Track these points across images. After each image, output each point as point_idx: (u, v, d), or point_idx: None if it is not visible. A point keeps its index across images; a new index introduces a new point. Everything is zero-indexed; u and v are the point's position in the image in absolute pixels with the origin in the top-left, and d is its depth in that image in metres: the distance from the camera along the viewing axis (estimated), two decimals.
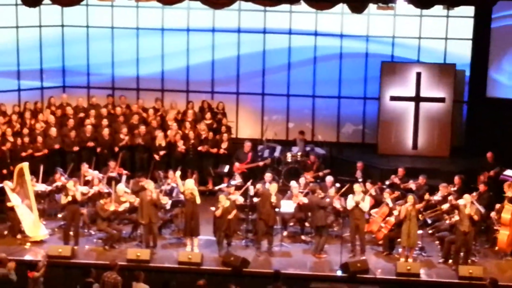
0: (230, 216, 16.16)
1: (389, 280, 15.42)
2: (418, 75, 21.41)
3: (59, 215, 17.76)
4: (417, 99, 21.46)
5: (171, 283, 13.56)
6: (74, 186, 16.45)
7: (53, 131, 19.93)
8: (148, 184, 16.57)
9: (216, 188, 18.58)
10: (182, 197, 16.69)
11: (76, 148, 19.96)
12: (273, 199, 16.21)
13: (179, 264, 15.66)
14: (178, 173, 17.17)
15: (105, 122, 20.54)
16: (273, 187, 16.43)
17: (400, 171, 18.68)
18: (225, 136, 20.44)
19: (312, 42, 22.24)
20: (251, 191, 17.19)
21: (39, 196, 17.54)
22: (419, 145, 21.63)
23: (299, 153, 20.35)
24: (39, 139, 19.66)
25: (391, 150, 21.66)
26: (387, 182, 18.27)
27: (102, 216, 16.35)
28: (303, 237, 17.24)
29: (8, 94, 21.86)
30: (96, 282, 13.41)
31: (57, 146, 19.79)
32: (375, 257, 16.42)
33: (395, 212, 16.33)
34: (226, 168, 19.67)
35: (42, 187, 17.71)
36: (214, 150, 20.26)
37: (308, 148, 20.70)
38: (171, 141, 20.29)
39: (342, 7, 20.46)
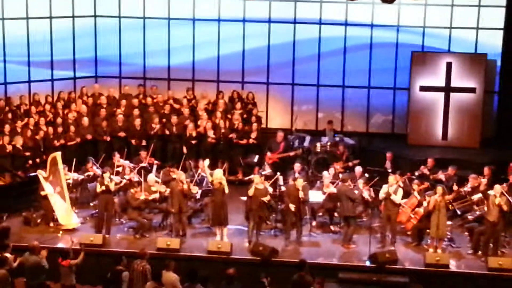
0: (264, 198, 16.27)
1: (418, 271, 15.45)
2: (449, 65, 21.30)
3: (91, 204, 18.01)
4: (448, 89, 21.36)
5: (199, 272, 13.65)
6: (109, 176, 16.67)
7: (86, 120, 20.19)
8: (179, 174, 16.72)
9: (246, 178, 18.71)
10: (211, 186, 16.83)
11: (107, 138, 20.21)
12: (301, 194, 16.23)
13: (209, 253, 15.82)
14: (207, 162, 17.33)
15: (136, 112, 20.73)
16: (299, 182, 16.41)
17: (430, 161, 18.63)
18: (254, 126, 20.53)
19: (342, 32, 22.20)
20: (281, 181, 17.29)
21: (71, 185, 17.81)
22: (449, 135, 21.53)
23: (329, 143, 20.37)
24: (72, 128, 19.93)
25: (421, 140, 21.59)
26: (417, 173, 18.23)
27: (132, 205, 16.57)
28: (332, 227, 17.30)
29: (41, 84, 22.17)
30: (126, 270, 13.60)
31: (89, 137, 20.04)
32: (404, 248, 16.44)
33: (424, 203, 16.33)
34: (256, 158, 19.76)
35: (74, 176, 17.97)
36: (244, 142, 20.37)
37: (337, 138, 20.71)
38: (201, 131, 20.42)
39: None
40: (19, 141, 18.94)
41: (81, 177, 18.05)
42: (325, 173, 17.58)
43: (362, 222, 17.47)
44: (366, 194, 16.80)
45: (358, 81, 22.38)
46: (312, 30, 22.30)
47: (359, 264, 15.67)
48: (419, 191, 16.79)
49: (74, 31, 22.67)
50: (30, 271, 13.79)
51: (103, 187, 16.51)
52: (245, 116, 21.11)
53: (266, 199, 16.34)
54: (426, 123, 21.64)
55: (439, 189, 15.97)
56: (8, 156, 18.90)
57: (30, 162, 19.09)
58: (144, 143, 20.20)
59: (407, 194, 17.07)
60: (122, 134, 20.35)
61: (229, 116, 20.95)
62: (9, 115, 20.04)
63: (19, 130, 19.52)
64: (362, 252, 16.06)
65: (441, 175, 18.10)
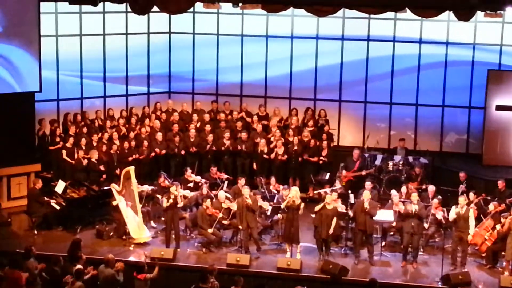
0: (330, 230, 16.18)
1: None
2: None
3: (162, 218, 18.14)
4: None
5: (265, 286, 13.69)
6: (176, 190, 16.79)
7: (159, 136, 20.40)
8: (244, 189, 16.77)
9: (316, 192, 18.69)
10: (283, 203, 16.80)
11: (181, 152, 20.40)
12: (366, 205, 16.14)
13: (278, 270, 15.79)
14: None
15: (208, 127, 20.88)
16: (365, 194, 16.34)
17: (500, 183, 18.20)
18: (325, 143, 20.43)
19: (417, 50, 21.96)
20: (352, 199, 17.16)
21: (143, 198, 17.99)
22: None
23: (401, 162, 20.14)
24: (145, 143, 20.19)
25: (496, 161, 21.13)
26: (490, 197, 17.81)
27: (201, 223, 16.64)
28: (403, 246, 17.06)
29: (116, 99, 22.52)
30: None
31: (163, 152, 20.25)
32: (478, 270, 16.14)
33: (498, 226, 15.99)
34: (327, 176, 19.66)
35: (145, 187, 18.15)
36: (315, 159, 20.28)
37: (410, 158, 20.46)
38: (273, 148, 20.42)
39: (448, 15, 20.22)
40: (94, 155, 19.30)
41: (152, 187, 18.23)
42: (393, 191, 17.37)
43: (434, 242, 17.19)
44: (439, 215, 16.55)
45: (432, 100, 22.06)
46: (386, 48, 22.10)
47: (431, 286, 15.43)
48: (495, 213, 16.47)
49: (149, 47, 23.00)
50: (104, 284, 14.00)
51: (170, 201, 16.61)
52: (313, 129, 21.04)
53: (332, 226, 16.24)
54: (502, 143, 21.17)
55: None
56: (83, 170, 19.28)
57: (104, 176, 19.42)
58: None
59: (482, 215, 16.77)
60: (193, 149, 20.48)
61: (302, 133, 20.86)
62: (85, 130, 20.42)
63: (94, 144, 19.87)
64: (434, 273, 15.81)
65: None
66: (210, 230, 16.58)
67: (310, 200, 18.96)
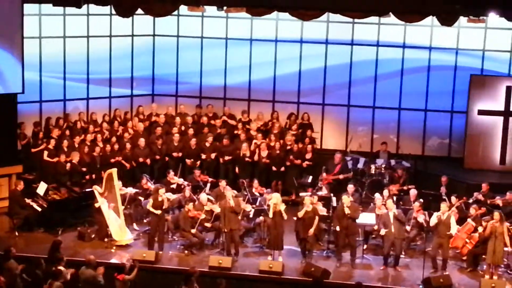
0: (311, 230, 16.16)
1: None
2: (508, 89, 20.98)
3: (145, 221, 18.11)
4: (507, 113, 21.03)
5: None
6: (163, 193, 16.75)
7: (142, 141, 20.34)
8: (226, 191, 16.77)
9: (300, 195, 18.69)
10: (265, 206, 16.80)
11: (159, 157, 20.37)
12: (346, 211, 16.14)
13: (260, 273, 15.78)
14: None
15: (191, 131, 20.84)
16: (345, 199, 16.34)
17: (484, 186, 18.34)
18: (309, 147, 20.46)
19: (400, 54, 22.05)
20: (334, 202, 17.20)
21: (126, 201, 17.93)
22: (507, 160, 21.15)
23: (383, 166, 20.21)
24: (128, 146, 20.12)
25: (478, 164, 21.27)
26: (471, 200, 17.92)
27: (183, 225, 16.62)
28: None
29: (100, 101, 22.45)
30: None
31: (148, 161, 20.20)
32: (459, 273, 16.21)
33: (480, 229, 16.07)
34: (310, 179, 19.68)
35: (128, 190, 18.09)
36: (298, 162, 20.30)
37: (392, 161, 20.55)
38: (255, 152, 20.41)
39: (431, 20, 20.32)
40: (75, 157, 19.24)
41: (135, 191, 18.18)
42: (377, 195, 17.45)
43: (416, 245, 17.25)
44: (421, 218, 16.61)
45: (414, 104, 22.17)
46: (369, 52, 22.18)
47: None
48: (475, 216, 16.56)
49: (133, 50, 22.94)
50: (85, 284, 13.98)
51: (165, 205, 16.57)
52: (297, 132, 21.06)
53: (313, 227, 16.21)
54: (483, 147, 21.32)
55: (496, 214, 15.74)
56: (66, 173, 19.20)
57: (87, 177, 19.36)
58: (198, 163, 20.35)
59: (462, 218, 16.85)
60: (175, 154, 20.43)
61: (285, 137, 20.85)
62: (67, 132, 20.34)
63: (76, 145, 19.80)
64: (415, 276, 15.86)
65: (498, 201, 17.82)
66: (192, 231, 16.55)
67: (293, 204, 18.98)
